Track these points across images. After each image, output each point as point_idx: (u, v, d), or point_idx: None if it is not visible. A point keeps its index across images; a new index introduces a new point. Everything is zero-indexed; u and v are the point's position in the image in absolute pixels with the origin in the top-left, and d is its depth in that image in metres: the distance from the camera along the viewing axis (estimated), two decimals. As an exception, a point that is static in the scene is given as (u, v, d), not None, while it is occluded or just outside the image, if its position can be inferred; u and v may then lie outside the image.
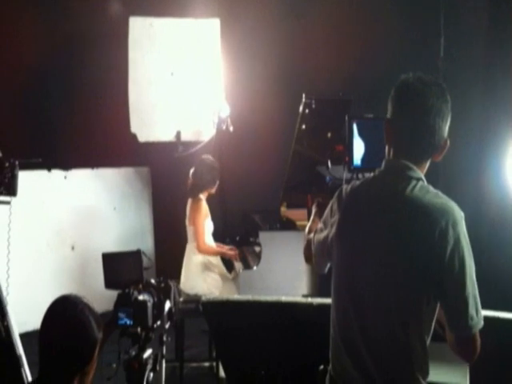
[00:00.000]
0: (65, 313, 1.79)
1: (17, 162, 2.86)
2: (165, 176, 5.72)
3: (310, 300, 2.87)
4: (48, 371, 1.76)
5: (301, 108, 4.21)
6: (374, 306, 1.75)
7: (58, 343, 1.75)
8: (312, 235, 2.06)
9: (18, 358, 2.94)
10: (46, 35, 5.38)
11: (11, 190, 2.85)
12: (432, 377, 1.81)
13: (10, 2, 5.37)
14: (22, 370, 2.96)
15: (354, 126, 3.33)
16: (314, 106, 4.18)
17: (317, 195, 3.02)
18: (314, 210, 2.33)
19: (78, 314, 1.77)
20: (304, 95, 4.20)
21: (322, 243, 1.94)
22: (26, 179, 5.17)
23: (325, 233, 1.92)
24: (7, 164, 2.82)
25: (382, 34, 5.31)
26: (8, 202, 2.87)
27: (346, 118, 3.37)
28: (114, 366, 2.54)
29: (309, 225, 2.27)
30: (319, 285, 3.93)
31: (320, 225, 1.99)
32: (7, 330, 3.01)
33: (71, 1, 5.56)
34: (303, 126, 4.27)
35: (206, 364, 4.35)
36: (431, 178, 1.85)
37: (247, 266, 4.27)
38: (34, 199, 5.17)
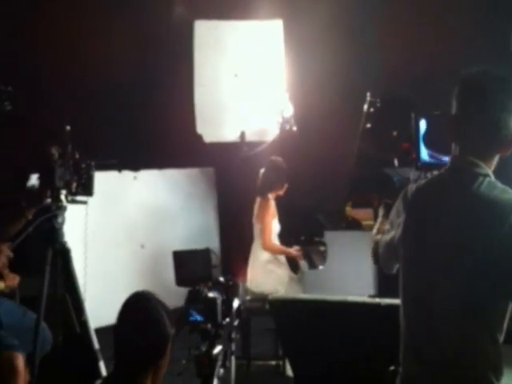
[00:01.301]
0: (139, 309, 1.85)
1: (93, 163, 2.94)
2: (229, 176, 5.80)
3: (377, 300, 2.85)
4: (123, 366, 1.82)
5: (365, 107, 4.18)
6: (444, 304, 1.73)
7: (133, 339, 1.81)
8: (379, 236, 2.05)
9: (94, 353, 3.04)
10: (115, 40, 5.55)
11: (88, 190, 2.93)
12: (508, 381, 1.77)
13: (80, 9, 5.58)
14: (99, 364, 3.06)
15: (421, 123, 3.28)
16: (379, 104, 4.15)
17: (383, 195, 2.99)
18: (381, 211, 2.32)
19: (152, 311, 1.83)
20: (369, 94, 4.17)
21: (388, 244, 1.94)
22: (98, 180, 5.39)
23: (391, 233, 1.92)
24: (84, 165, 2.90)
25: (450, 29, 5.20)
26: (85, 202, 2.96)
27: (412, 114, 3.32)
28: (184, 361, 2.61)
29: (376, 226, 2.26)
30: (386, 285, 3.88)
31: (387, 226, 1.99)
32: (84, 325, 3.12)
33: (139, 7, 5.72)
34: (368, 125, 4.24)
35: (273, 362, 4.38)
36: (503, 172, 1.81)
37: (312, 266, 4.28)
38: (106, 199, 5.35)
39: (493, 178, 1.76)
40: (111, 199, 5.42)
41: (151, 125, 5.80)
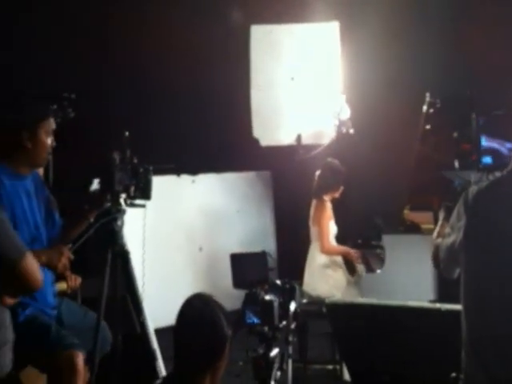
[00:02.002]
0: (196, 311, 1.87)
1: (151, 168, 2.99)
2: (286, 179, 5.80)
3: (438, 305, 2.79)
4: (182, 367, 1.85)
5: (425, 107, 4.11)
6: (505, 309, 1.68)
7: (191, 341, 1.84)
8: (440, 240, 2.02)
9: (152, 352, 3.10)
10: (173, 44, 5.65)
11: (146, 194, 2.98)
12: None
13: (139, 13, 5.71)
14: (157, 364, 3.12)
15: (482, 124, 3.20)
16: (438, 104, 4.07)
17: (443, 198, 2.93)
18: (441, 214, 2.28)
19: (209, 313, 1.85)
20: (428, 94, 4.10)
21: (449, 248, 1.90)
22: (157, 184, 5.51)
23: (452, 237, 1.88)
24: (142, 170, 2.95)
25: (509, 28, 5.04)
26: (143, 206, 3.01)
27: (473, 115, 3.25)
28: (241, 363, 2.62)
29: (437, 229, 2.22)
30: (447, 290, 3.79)
31: (447, 229, 1.95)
32: (143, 325, 3.19)
33: (196, 12, 5.81)
34: (427, 126, 4.16)
35: (330, 366, 4.34)
36: None
37: (370, 270, 4.23)
38: (165, 203, 5.46)
39: None
40: (170, 203, 5.52)
41: (209, 129, 5.88)
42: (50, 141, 2.73)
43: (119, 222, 2.86)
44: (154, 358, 3.10)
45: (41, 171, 3.16)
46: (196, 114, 5.91)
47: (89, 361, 2.74)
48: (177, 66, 5.74)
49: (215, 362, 1.85)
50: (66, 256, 2.67)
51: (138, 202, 2.98)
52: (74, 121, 3.49)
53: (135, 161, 2.94)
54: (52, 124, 2.76)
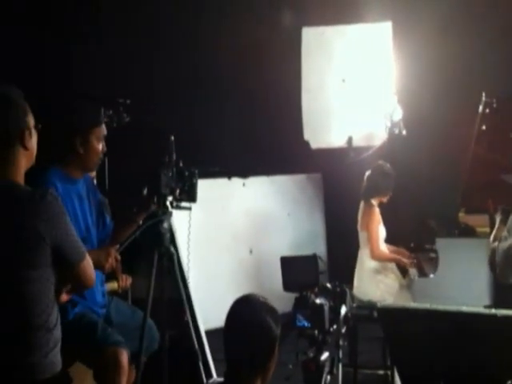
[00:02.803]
0: (244, 313, 1.87)
1: (196, 171, 3.05)
2: (336, 182, 5.76)
3: (493, 311, 2.71)
4: (234, 369, 1.86)
5: (481, 108, 4.02)
6: None
7: (241, 343, 1.84)
8: (496, 243, 1.97)
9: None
10: (224, 48, 5.71)
11: (191, 196, 3.04)
12: None
13: (194, 18, 5.80)
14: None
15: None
16: (495, 104, 3.96)
17: (500, 201, 2.85)
18: (498, 217, 2.21)
19: (256, 313, 1.85)
20: (484, 94, 3.99)
21: (506, 252, 1.86)
22: (208, 187, 5.58)
23: (509, 241, 1.83)
24: (187, 173, 3.02)
25: None
26: (189, 208, 3.08)
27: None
28: (291, 366, 2.62)
29: (494, 233, 2.17)
30: (503, 296, 3.68)
31: (504, 233, 1.90)
32: (195, 326, 3.22)
33: (248, 13, 5.84)
34: (483, 127, 4.05)
35: (381, 372, 4.28)
36: None
37: (422, 274, 4.15)
38: (216, 205, 5.51)
39: None
40: (220, 205, 5.57)
41: (259, 131, 5.90)
42: (101, 146, 2.83)
43: (165, 225, 2.93)
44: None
45: (93, 174, 3.26)
46: (247, 116, 5.95)
47: (135, 359, 2.82)
48: (228, 67, 5.80)
49: (265, 363, 1.85)
50: (113, 256, 2.75)
51: (183, 204, 3.05)
52: (128, 124, 3.58)
53: (181, 164, 3.01)
54: (103, 130, 2.86)
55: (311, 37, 5.53)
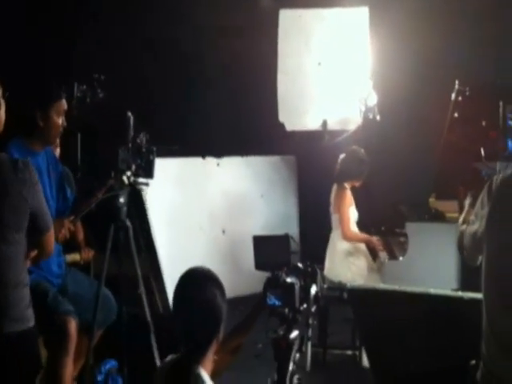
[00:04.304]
0: (189, 286, 1.94)
1: (154, 148, 3.11)
2: (310, 164, 5.79)
3: (460, 294, 2.78)
4: (187, 341, 1.90)
5: (453, 95, 4.06)
6: None
7: (187, 312, 1.90)
8: (465, 226, 2.01)
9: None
10: (201, 28, 5.66)
11: (148, 173, 3.11)
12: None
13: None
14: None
15: (510, 112, 3.16)
16: (467, 92, 4.01)
17: (470, 187, 2.91)
18: (468, 200, 2.26)
19: (201, 286, 1.91)
20: (457, 82, 4.04)
21: (473, 235, 1.90)
22: (182, 166, 5.56)
23: (476, 225, 1.88)
24: (144, 150, 3.09)
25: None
26: (146, 184, 3.15)
27: (501, 103, 3.21)
28: (261, 345, 2.65)
29: (462, 215, 2.21)
30: (470, 279, 3.77)
31: (472, 217, 1.94)
32: (165, 305, 3.26)
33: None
34: (456, 114, 4.11)
35: (349, 352, 4.36)
36: None
37: (392, 257, 4.22)
38: (190, 184, 5.50)
39: None
40: (194, 185, 5.55)
41: (235, 112, 5.88)
42: (61, 120, 2.90)
43: (122, 199, 2.97)
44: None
45: (58, 151, 3.28)
46: (222, 97, 5.92)
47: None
48: (205, 48, 5.75)
49: (216, 328, 1.89)
50: (67, 228, 2.86)
51: (141, 180, 3.12)
52: (104, 102, 3.55)
53: (138, 141, 3.06)
54: (64, 105, 2.92)
55: (288, 19, 5.51)
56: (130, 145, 3.03)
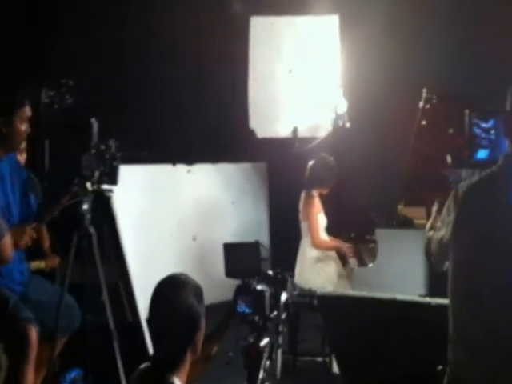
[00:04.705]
0: (166, 293, 1.89)
1: (118, 155, 3.09)
2: (281, 171, 5.81)
3: (427, 300, 2.81)
4: (161, 350, 1.87)
5: (421, 103, 4.11)
6: (494, 303, 1.70)
7: (162, 320, 1.86)
8: (432, 233, 2.04)
9: (144, 340, 3.14)
10: (173, 35, 5.64)
11: (112, 179, 3.09)
12: None
13: (133, 4, 5.70)
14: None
15: (475, 119, 3.23)
16: (435, 100, 4.07)
17: (438, 195, 2.95)
18: (435, 206, 2.29)
19: (178, 292, 1.86)
20: (425, 90, 4.10)
21: (439, 242, 1.93)
22: (152, 173, 5.53)
23: (442, 231, 1.91)
24: (108, 156, 3.07)
25: (507, 26, 5.05)
26: (110, 191, 3.13)
27: (466, 111, 3.27)
28: (231, 353, 2.64)
29: (430, 222, 2.24)
30: (437, 285, 3.81)
31: (439, 223, 1.97)
32: (134, 313, 3.23)
33: (196, 1, 5.79)
34: (423, 122, 4.16)
35: (319, 359, 4.38)
36: None
37: (362, 263, 4.25)
38: (160, 191, 5.46)
39: None
40: (165, 192, 5.52)
41: (205, 119, 5.87)
42: (24, 127, 2.88)
43: (85, 206, 2.95)
44: (145, 346, 3.15)
45: (22, 158, 3.24)
46: (193, 103, 5.91)
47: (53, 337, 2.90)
48: (175, 55, 5.73)
49: (191, 337, 1.86)
50: (28, 235, 2.81)
51: (105, 187, 3.10)
52: (72, 106, 3.51)
53: (102, 147, 3.04)
54: (27, 112, 2.89)
55: (260, 26, 5.54)
56: (93, 151, 3.01)
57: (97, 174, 3.02)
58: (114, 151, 3.05)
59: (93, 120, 3.01)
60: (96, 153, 3.02)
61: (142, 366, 1.95)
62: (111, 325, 3.11)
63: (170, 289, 1.89)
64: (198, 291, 1.91)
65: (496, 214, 1.73)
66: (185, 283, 1.90)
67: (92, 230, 3.04)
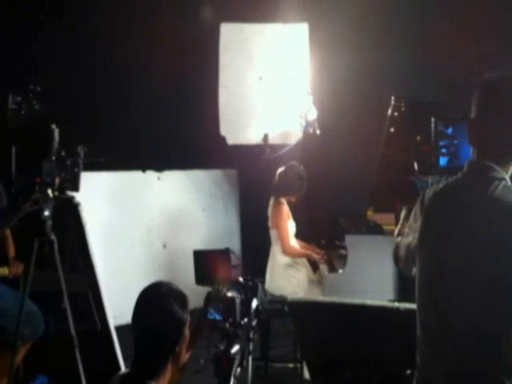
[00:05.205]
0: (150, 300, 1.89)
1: (80, 161, 3.09)
2: (252, 178, 5.82)
3: (396, 305, 2.84)
4: (142, 357, 1.85)
5: (390, 111, 4.16)
6: (458, 306, 1.74)
7: (147, 329, 1.85)
8: (400, 239, 2.07)
9: (114, 349, 3.11)
10: (141, 41, 5.61)
11: (73, 185, 3.09)
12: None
13: (103, 12, 5.66)
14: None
15: (441, 127, 3.29)
16: (403, 108, 4.13)
17: (406, 201, 3.00)
18: (403, 212, 2.32)
19: (162, 300, 1.86)
20: (393, 98, 4.16)
21: (407, 248, 1.96)
22: (122, 179, 5.48)
23: (410, 237, 1.94)
24: (69, 162, 3.06)
25: (475, 36, 5.16)
26: (72, 197, 3.11)
27: (432, 118, 3.33)
28: (202, 361, 2.62)
29: (398, 227, 2.27)
30: (406, 290, 3.86)
31: (406, 229, 2.00)
32: (104, 322, 3.19)
33: (165, 8, 5.78)
34: (392, 129, 4.22)
35: (291, 365, 4.38)
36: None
37: (332, 269, 4.27)
38: (130, 198, 5.42)
39: (509, 182, 1.76)
40: (134, 199, 5.48)
41: (176, 126, 5.85)
42: None
43: (46, 213, 2.91)
44: (115, 354, 3.12)
45: None
46: (164, 110, 5.88)
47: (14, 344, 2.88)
48: (145, 62, 5.71)
49: (174, 347, 1.85)
50: None
51: (66, 193, 3.10)
52: (40, 113, 3.46)
53: (63, 153, 3.04)
54: None
55: (230, 33, 5.56)
56: (54, 157, 2.99)
57: (58, 180, 2.99)
58: (83, 158, 3.03)
59: (53, 126, 2.99)
60: (57, 159, 2.99)
61: (122, 371, 1.94)
62: (73, 332, 3.08)
63: (154, 296, 1.88)
64: (182, 299, 1.90)
65: (459, 220, 1.76)
66: (168, 291, 1.89)
67: (53, 236, 3.01)
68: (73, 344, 3.07)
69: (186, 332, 1.88)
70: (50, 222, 2.98)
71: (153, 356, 1.84)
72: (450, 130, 3.25)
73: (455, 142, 3.19)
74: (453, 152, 3.20)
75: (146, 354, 1.85)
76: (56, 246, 3.03)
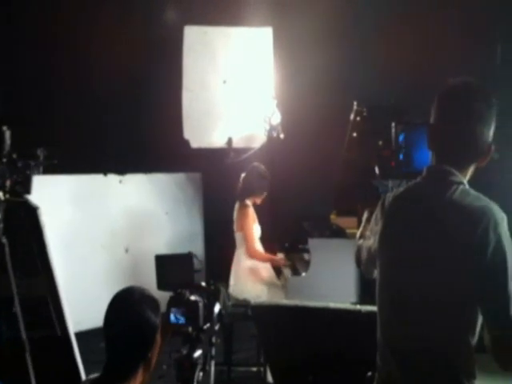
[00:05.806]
0: (122, 306, 1.86)
1: (32, 163, 3.04)
2: (216, 182, 5.80)
3: (358, 307, 2.87)
4: (113, 362, 1.83)
5: (352, 115, 4.21)
6: (418, 308, 1.76)
7: (119, 335, 1.83)
8: (361, 241, 2.09)
9: (74, 355, 3.06)
10: (104, 41, 5.54)
11: (25, 188, 3.05)
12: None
13: (68, 9, 5.57)
14: (79, 367, 3.08)
15: (401, 131, 3.34)
16: (365, 113, 4.18)
17: (368, 205, 3.03)
18: (365, 215, 2.35)
19: (135, 305, 1.84)
20: (355, 103, 4.20)
21: (368, 250, 1.99)
22: (83, 183, 5.40)
23: (371, 240, 1.96)
24: (20, 164, 3.01)
25: (436, 41, 5.26)
26: (24, 200, 3.07)
27: (393, 123, 3.38)
28: (165, 367, 2.60)
29: (360, 230, 2.29)
30: (368, 293, 3.90)
31: (368, 232, 2.02)
32: (63, 327, 3.14)
33: (129, 9, 5.72)
34: (354, 134, 4.26)
35: (254, 369, 4.38)
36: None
37: (296, 273, 4.29)
38: (91, 202, 5.34)
39: (467, 186, 1.79)
40: (96, 202, 5.40)
41: (138, 128, 5.79)
42: None
43: None
44: (75, 361, 3.06)
45: None
46: (126, 113, 5.82)
47: None
48: (108, 64, 5.64)
49: (146, 353, 1.83)
50: None
51: (24, 196, 3.08)
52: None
53: (14, 156, 2.99)
54: None
55: (194, 35, 5.54)
56: (5, 160, 2.94)
57: (9, 182, 2.93)
58: (42, 160, 2.97)
59: (4, 128, 2.93)
60: (8, 161, 2.94)
61: (92, 376, 1.90)
62: (23, 336, 3.01)
63: (126, 302, 1.86)
64: (154, 305, 1.88)
65: (419, 223, 1.79)
66: (141, 296, 1.87)
67: (4, 240, 2.95)
68: (24, 349, 3.01)
69: (158, 338, 1.86)
70: (1, 225, 2.92)
71: (125, 361, 1.82)
72: (401, 137, 3.31)
73: (404, 147, 3.25)
74: (403, 158, 3.25)
75: (117, 360, 1.82)
76: (7, 249, 2.96)
